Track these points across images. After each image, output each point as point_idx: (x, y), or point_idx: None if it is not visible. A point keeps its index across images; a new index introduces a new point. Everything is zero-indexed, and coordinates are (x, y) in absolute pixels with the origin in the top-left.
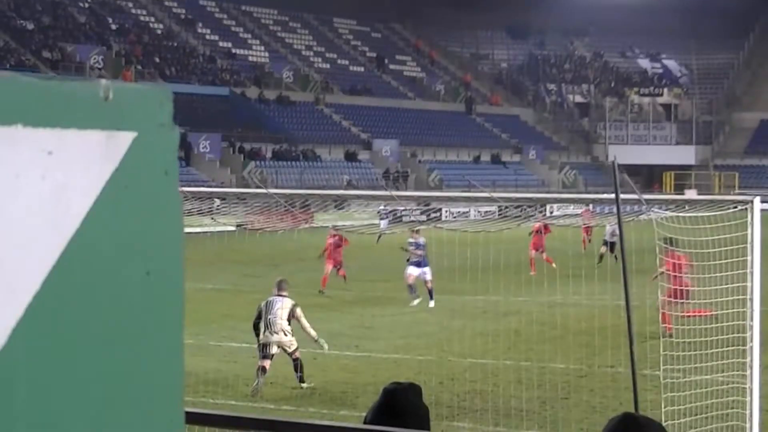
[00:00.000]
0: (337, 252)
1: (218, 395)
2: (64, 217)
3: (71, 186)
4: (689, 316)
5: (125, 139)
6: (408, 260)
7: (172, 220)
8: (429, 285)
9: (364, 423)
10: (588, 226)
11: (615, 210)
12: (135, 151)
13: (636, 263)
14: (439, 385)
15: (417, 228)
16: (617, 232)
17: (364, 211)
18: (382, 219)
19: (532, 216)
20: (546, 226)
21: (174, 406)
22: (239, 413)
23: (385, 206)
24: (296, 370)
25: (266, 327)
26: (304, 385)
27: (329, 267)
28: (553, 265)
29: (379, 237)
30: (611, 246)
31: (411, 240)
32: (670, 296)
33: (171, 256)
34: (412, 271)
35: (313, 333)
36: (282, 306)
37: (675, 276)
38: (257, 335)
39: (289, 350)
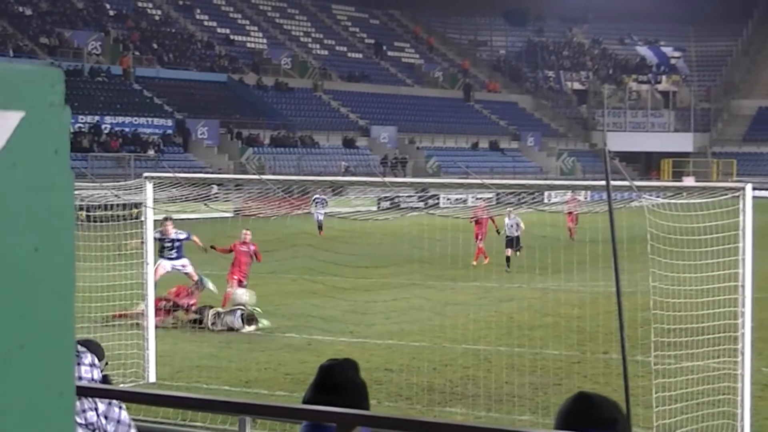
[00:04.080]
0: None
1: (212, 380)
2: None
3: None
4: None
5: (13, 118)
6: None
7: (62, 198)
8: (194, 277)
9: (303, 402)
10: (573, 214)
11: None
12: (23, 130)
13: (627, 250)
14: (432, 370)
15: (169, 217)
16: (520, 224)
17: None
18: (317, 209)
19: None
20: (491, 218)
21: (64, 377)
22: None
23: (321, 194)
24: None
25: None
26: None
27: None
28: (486, 260)
29: (320, 227)
30: (516, 241)
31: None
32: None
33: (61, 232)
34: (165, 265)
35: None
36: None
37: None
38: None
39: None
